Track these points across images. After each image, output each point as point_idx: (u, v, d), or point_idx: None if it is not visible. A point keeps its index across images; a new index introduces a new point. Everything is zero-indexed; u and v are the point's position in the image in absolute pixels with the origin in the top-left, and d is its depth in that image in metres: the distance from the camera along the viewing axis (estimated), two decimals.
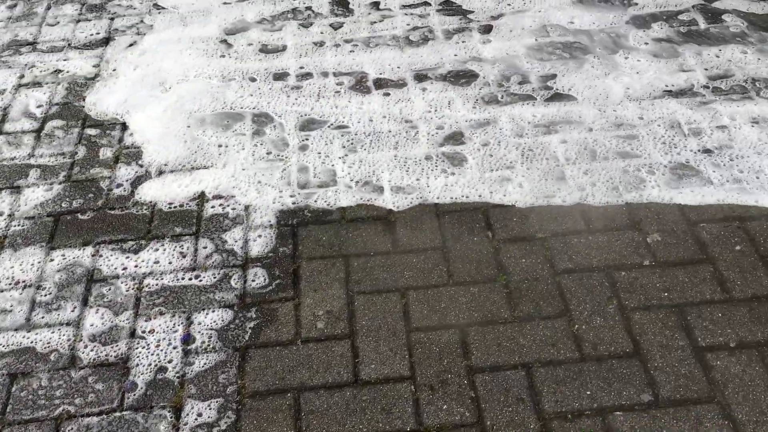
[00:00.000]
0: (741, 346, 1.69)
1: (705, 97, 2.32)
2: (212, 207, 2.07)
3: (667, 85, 2.37)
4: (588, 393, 1.62)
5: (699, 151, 2.15)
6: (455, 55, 2.53)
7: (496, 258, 1.91)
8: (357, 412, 1.60)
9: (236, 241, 1.97)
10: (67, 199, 2.12)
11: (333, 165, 2.17)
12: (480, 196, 2.07)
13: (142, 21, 2.78)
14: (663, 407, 1.59)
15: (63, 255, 1.96)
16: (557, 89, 2.38)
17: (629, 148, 2.17)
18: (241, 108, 2.38)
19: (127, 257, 1.95)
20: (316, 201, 2.07)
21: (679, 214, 1.98)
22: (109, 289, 1.87)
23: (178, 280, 1.89)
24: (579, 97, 2.35)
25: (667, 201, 2.02)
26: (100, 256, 1.96)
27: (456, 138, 2.23)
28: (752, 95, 2.32)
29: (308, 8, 2.78)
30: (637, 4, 2.69)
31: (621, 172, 2.11)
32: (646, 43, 2.53)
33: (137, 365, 1.71)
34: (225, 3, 2.83)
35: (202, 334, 1.77)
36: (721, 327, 1.73)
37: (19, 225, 2.05)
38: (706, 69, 2.42)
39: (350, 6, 2.78)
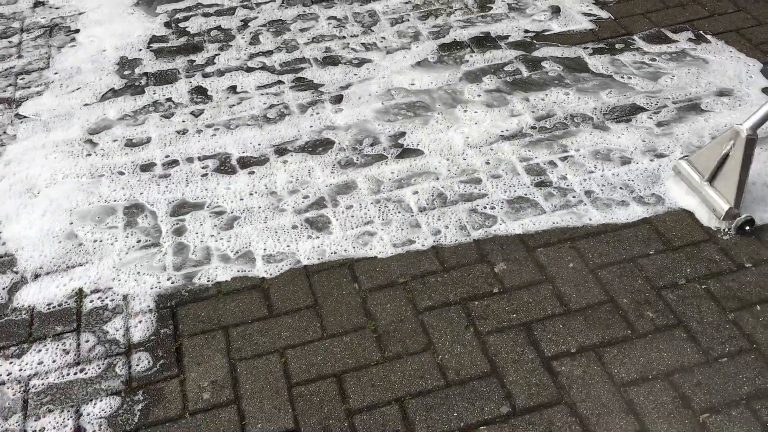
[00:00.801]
0: (580, 351, 1.92)
1: (533, 136, 2.63)
2: (91, 301, 2.15)
3: (501, 131, 2.66)
4: (455, 414, 1.80)
5: (532, 184, 2.43)
6: (311, 126, 2.75)
7: (364, 307, 2.08)
8: None
9: (117, 330, 2.06)
10: None
11: (207, 244, 2.30)
12: (345, 251, 2.25)
13: (4, 132, 2.85)
14: (520, 415, 1.79)
15: None
16: (406, 146, 2.63)
17: (474, 190, 2.43)
18: (114, 201, 2.48)
19: (11, 362, 2.00)
20: (192, 280, 2.19)
21: (520, 243, 2.23)
22: None
23: (63, 376, 1.95)
24: (426, 151, 2.61)
25: (510, 232, 2.27)
26: None
27: (319, 203, 2.42)
28: (572, 129, 2.64)
29: (168, 100, 2.94)
30: (467, 61, 3.01)
31: (468, 212, 2.35)
32: (479, 95, 2.84)
33: None
34: (86, 105, 2.94)
35: (92, 423, 1.84)
36: (562, 336, 1.96)
37: None
38: (533, 112, 2.73)
39: (209, 93, 2.96)
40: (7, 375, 1.97)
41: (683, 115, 2.67)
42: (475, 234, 2.27)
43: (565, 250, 2.20)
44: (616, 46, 3.03)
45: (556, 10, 3.27)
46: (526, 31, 3.16)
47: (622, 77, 2.86)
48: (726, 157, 2.21)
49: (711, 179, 2.26)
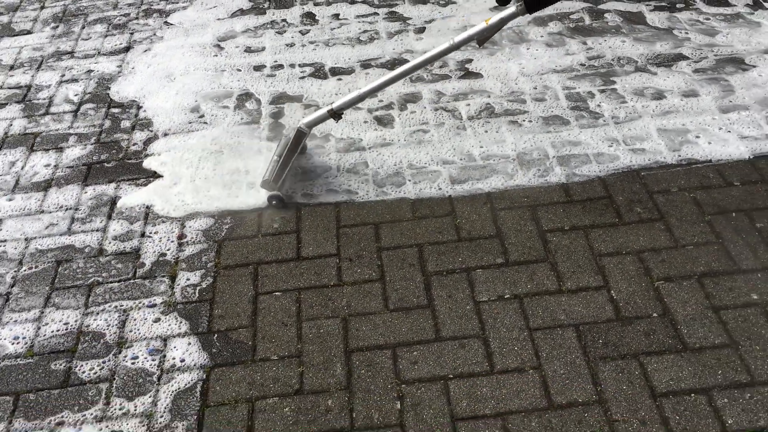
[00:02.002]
0: (572, 229, 2.36)
1: (579, 71, 3.03)
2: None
3: (554, 66, 3.08)
4: (460, 259, 2.29)
5: (568, 107, 2.84)
6: (393, 49, 3.28)
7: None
8: None
9: None
10: (96, 153, 2.86)
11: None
12: (400, 142, 2.77)
13: (155, 34, 3.56)
14: (511, 266, 2.26)
15: (93, 189, 2.69)
16: (470, 69, 3.10)
17: (518, 107, 2.87)
18: (231, 89, 3.13)
19: (140, 189, 2.68)
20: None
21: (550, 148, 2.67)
22: (122, 213, 2.59)
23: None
24: (485, 75, 3.07)
25: (538, 143, 2.71)
26: (120, 188, 2.68)
27: (389, 106, 2.95)
28: (616, 69, 3.02)
29: (283, 20, 3.56)
30: None
31: (508, 123, 2.80)
32: (542, 36, 3.26)
33: (145, 253, 2.42)
34: (218, 19, 3.61)
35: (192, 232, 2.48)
36: (560, 218, 2.40)
37: (62, 172, 2.79)
38: (586, 53, 3.13)
39: (316, 17, 3.55)
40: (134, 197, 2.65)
41: (723, 66, 2.98)
42: (509, 138, 2.73)
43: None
44: (677, 5, 3.35)
45: None
46: None
47: (677, 32, 3.19)
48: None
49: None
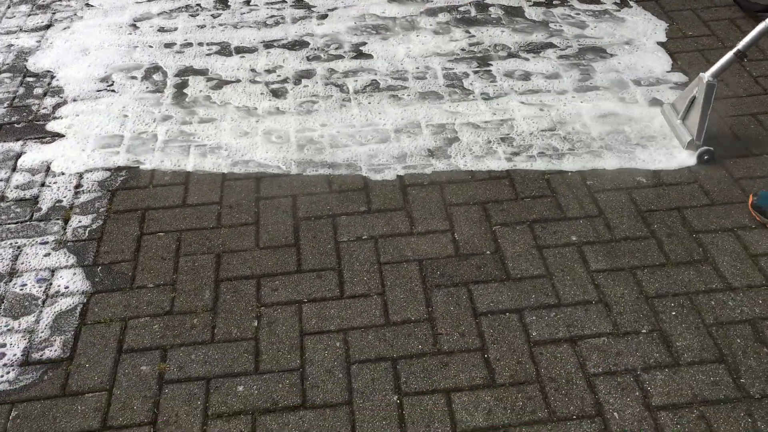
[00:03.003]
0: None
1: (459, 55, 3.36)
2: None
3: (438, 51, 3.40)
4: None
5: (444, 85, 3.17)
6: (296, 32, 3.57)
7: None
8: None
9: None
10: (8, 116, 3.08)
11: (198, 96, 3.15)
12: (291, 110, 3.05)
13: (75, 14, 3.79)
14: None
15: (2, 145, 2.91)
16: (363, 51, 3.41)
17: (400, 84, 3.18)
18: (140, 62, 3.37)
19: (46, 147, 2.90)
20: (184, 109, 3.04)
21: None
22: (25, 166, 2.81)
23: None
24: (375, 56, 3.38)
25: (413, 114, 3.02)
26: (26, 146, 2.90)
27: (284, 81, 3.23)
28: (491, 54, 3.36)
29: (198, 4, 3.82)
30: (432, 0, 3.76)
31: (389, 97, 3.11)
32: (431, 25, 3.58)
33: (43, 200, 2.64)
34: (137, 2, 3.86)
35: None
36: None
37: None
38: (468, 40, 3.46)
39: (228, 3, 3.82)
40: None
41: (585, 54, 3.34)
42: (389, 105, 3.03)
43: None
44: (554, 2, 3.72)
45: None
46: None
47: (549, 24, 3.55)
48: (693, 99, 2.71)
49: (683, 117, 2.80)
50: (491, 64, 3.30)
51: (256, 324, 2.20)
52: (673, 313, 2.17)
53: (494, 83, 3.18)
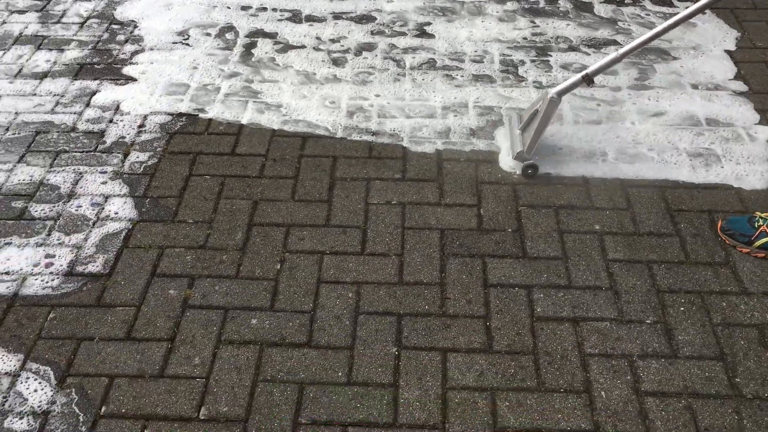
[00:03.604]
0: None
1: (519, 43, 3.40)
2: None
3: (500, 37, 3.46)
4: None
5: (498, 70, 3.22)
6: (365, 7, 3.69)
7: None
8: None
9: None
10: (90, 57, 3.33)
11: (264, 57, 3.32)
12: (348, 79, 3.18)
13: None
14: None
15: (81, 83, 3.16)
16: (426, 31, 3.50)
17: (456, 64, 3.26)
18: (216, 21, 3.58)
19: (119, 88, 3.14)
20: (249, 65, 3.22)
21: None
22: (98, 103, 3.05)
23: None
24: (437, 36, 3.47)
25: (466, 96, 3.09)
26: (102, 85, 3.15)
27: (346, 51, 3.37)
28: (552, 45, 3.39)
29: None
30: None
31: (443, 76, 3.19)
32: (497, 12, 3.64)
33: (109, 134, 2.87)
34: None
35: None
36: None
37: (58, 67, 3.27)
38: (531, 29, 3.50)
39: None
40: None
41: (648, 54, 3.33)
42: (441, 83, 3.12)
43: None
44: (625, 1, 3.70)
45: None
46: None
47: (618, 22, 3.54)
48: (536, 113, 2.68)
49: (523, 129, 2.75)
50: (550, 55, 3.34)
51: (278, 267, 2.34)
52: (682, 308, 2.19)
53: (549, 73, 3.22)
